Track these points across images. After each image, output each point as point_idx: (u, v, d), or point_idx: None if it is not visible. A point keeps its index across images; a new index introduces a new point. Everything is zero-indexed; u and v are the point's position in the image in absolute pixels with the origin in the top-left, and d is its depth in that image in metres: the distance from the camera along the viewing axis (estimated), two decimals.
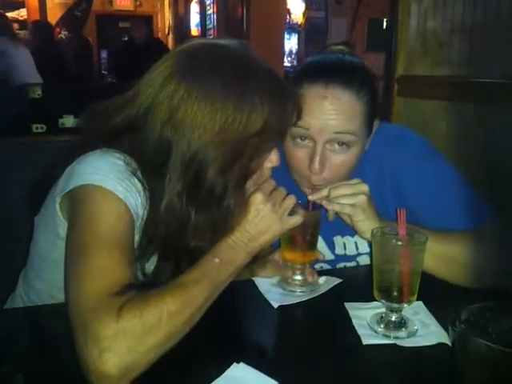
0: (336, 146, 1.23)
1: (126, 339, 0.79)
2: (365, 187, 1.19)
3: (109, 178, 1.00)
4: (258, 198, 1.08)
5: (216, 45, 1.10)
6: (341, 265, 1.47)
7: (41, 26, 6.60)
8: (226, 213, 1.05)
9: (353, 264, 1.47)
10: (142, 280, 1.08)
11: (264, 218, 1.07)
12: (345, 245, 1.45)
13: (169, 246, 1.09)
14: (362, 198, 1.17)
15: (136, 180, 1.05)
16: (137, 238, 1.06)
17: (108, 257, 0.91)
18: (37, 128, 2.83)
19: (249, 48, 1.12)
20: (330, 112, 1.20)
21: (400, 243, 1.05)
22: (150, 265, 1.12)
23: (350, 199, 1.17)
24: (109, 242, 0.93)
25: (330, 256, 1.45)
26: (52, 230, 1.10)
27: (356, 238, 1.41)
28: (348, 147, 1.23)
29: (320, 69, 1.26)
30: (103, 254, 0.91)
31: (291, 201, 1.12)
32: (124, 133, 1.08)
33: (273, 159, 1.13)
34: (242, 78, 1.03)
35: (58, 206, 1.07)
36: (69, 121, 2.85)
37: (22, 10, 8.80)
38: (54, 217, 1.08)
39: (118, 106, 1.10)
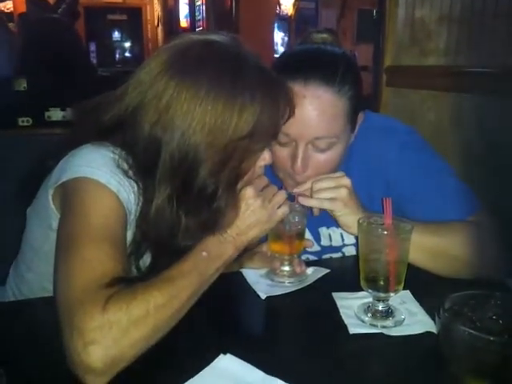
0: (318, 146, 1.21)
1: (112, 332, 0.79)
2: (346, 181, 1.18)
3: (102, 171, 1.00)
4: (248, 193, 1.08)
5: (207, 41, 1.07)
6: (327, 256, 1.47)
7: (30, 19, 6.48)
8: (216, 214, 1.04)
9: (339, 255, 1.47)
10: (137, 275, 1.08)
11: (253, 212, 1.07)
12: (330, 236, 1.45)
13: (160, 245, 1.08)
14: (343, 192, 1.16)
15: (129, 176, 1.04)
16: (130, 233, 1.06)
17: (98, 249, 0.90)
18: (22, 121, 2.80)
19: (239, 43, 1.10)
20: (309, 113, 1.16)
21: (386, 232, 1.05)
22: (145, 260, 1.12)
23: (330, 193, 1.17)
24: (100, 235, 0.93)
25: (315, 247, 1.45)
26: (45, 221, 1.10)
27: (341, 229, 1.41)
28: (330, 148, 1.22)
29: (298, 64, 1.21)
30: (93, 246, 0.90)
31: (281, 196, 1.12)
32: (114, 130, 1.07)
33: (266, 157, 1.12)
34: (232, 76, 1.02)
35: (50, 197, 1.07)
36: (55, 114, 2.81)
37: (8, 2, 8.68)
38: (47, 209, 1.08)
39: (108, 103, 1.09)
